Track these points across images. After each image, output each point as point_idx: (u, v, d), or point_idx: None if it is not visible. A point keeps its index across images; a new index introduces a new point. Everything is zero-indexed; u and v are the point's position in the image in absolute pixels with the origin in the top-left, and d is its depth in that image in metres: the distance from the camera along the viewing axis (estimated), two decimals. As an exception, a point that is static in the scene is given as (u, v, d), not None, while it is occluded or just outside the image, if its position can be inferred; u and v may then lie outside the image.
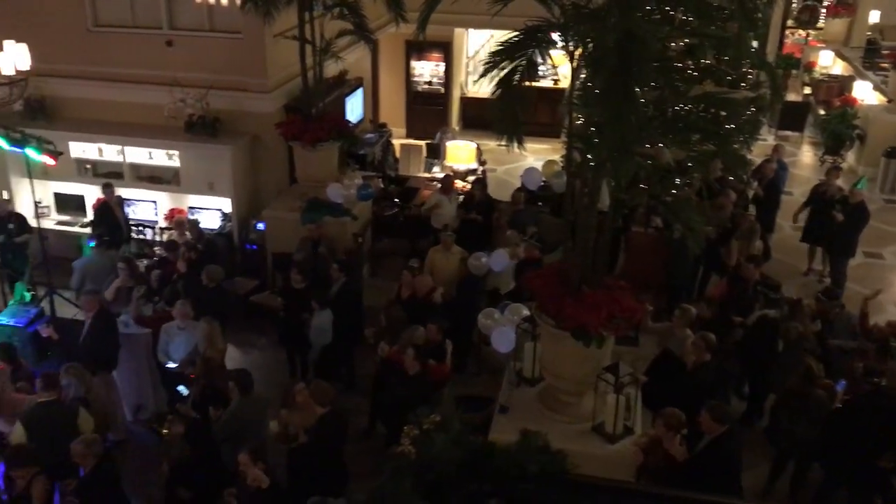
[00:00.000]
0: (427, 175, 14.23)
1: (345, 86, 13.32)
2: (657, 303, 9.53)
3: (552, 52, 6.39)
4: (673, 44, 7.19)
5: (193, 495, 6.47)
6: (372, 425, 8.65)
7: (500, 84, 6.17)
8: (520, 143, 6.23)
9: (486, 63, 6.27)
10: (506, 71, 6.03)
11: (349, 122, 12.48)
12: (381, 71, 16.14)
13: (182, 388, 8.14)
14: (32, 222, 10.54)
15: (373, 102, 15.88)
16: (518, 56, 5.98)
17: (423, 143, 15.31)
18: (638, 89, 5.57)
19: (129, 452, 8.26)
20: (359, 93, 14.14)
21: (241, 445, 6.34)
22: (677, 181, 7.01)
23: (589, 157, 6.48)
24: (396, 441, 7.60)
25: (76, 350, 8.25)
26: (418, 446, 4.87)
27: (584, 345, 6.32)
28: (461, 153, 14.27)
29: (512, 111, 6.16)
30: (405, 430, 5.10)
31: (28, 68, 8.55)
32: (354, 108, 13.80)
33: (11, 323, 9.29)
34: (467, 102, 18.04)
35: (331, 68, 11.61)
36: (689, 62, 7.28)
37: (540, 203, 11.57)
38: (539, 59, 6.13)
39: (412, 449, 4.93)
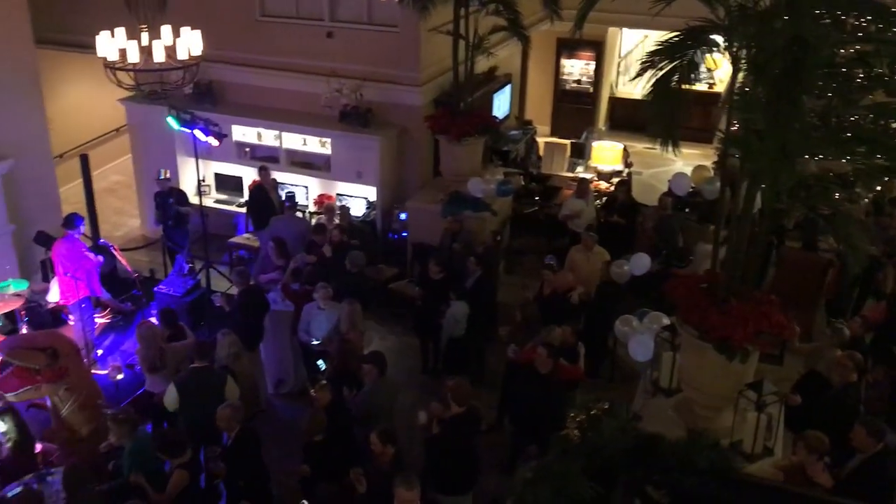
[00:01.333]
0: (570, 175, 14.07)
1: (493, 82, 13.39)
2: (805, 323, 9.03)
3: (709, 54, 6.17)
4: (842, 50, 6.78)
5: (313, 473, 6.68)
6: (500, 421, 8.67)
7: (657, 84, 6.00)
8: (675, 145, 6.03)
9: (644, 62, 6.11)
10: (664, 71, 5.86)
11: (496, 118, 12.53)
12: (531, 68, 16.09)
13: (321, 363, 8.46)
14: (194, 199, 11.23)
15: (520, 99, 15.87)
16: (678, 56, 5.81)
17: (567, 142, 15.16)
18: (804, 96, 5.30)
19: (269, 424, 8.67)
20: (507, 89, 14.16)
21: (372, 426, 6.53)
22: (836, 195, 6.61)
23: (746, 164, 6.21)
24: (524, 437, 7.66)
25: (228, 322, 8.73)
26: (585, 431, 4.84)
27: (727, 358, 6.08)
28: (607, 154, 14.03)
29: (668, 112, 5.98)
30: (571, 415, 5.11)
31: (200, 54, 9.10)
32: (501, 104, 13.84)
33: (170, 292, 9.96)
34: (616, 103, 17.72)
35: (481, 64, 11.70)
36: (860, 70, 6.84)
37: (686, 210, 11.21)
38: (698, 61, 5.95)
39: (577, 433, 4.92)
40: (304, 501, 6.05)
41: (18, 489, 6.51)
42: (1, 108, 10.56)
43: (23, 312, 9.48)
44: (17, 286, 9.54)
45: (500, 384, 8.72)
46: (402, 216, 11.57)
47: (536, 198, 12.58)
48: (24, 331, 9.42)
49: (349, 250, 9.51)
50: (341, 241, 9.97)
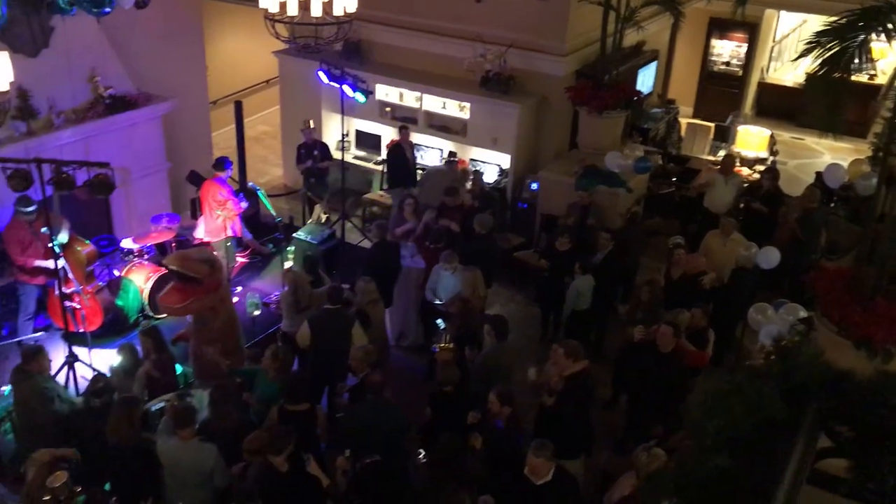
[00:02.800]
0: (711, 158, 13.64)
1: (639, 57, 13.09)
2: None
3: (872, 44, 5.82)
4: None
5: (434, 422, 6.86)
6: (615, 397, 8.63)
7: (821, 66, 5.74)
8: (834, 133, 5.76)
9: (809, 42, 5.85)
10: (831, 53, 5.59)
11: (640, 93, 12.28)
12: (678, 46, 15.61)
13: (440, 322, 8.65)
14: (335, 154, 11.63)
15: (664, 77, 15.45)
16: (849, 38, 5.52)
17: (711, 124, 14.67)
18: None
19: (388, 373, 8.96)
20: (652, 66, 13.82)
21: (490, 386, 6.64)
22: None
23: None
24: (638, 416, 7.59)
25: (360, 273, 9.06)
26: (780, 357, 4.79)
27: (868, 357, 5.83)
28: (752, 139, 13.48)
29: (830, 98, 5.71)
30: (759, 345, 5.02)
31: (353, 11, 9.34)
32: (645, 80, 13.52)
33: (308, 239, 10.40)
34: (765, 89, 16.98)
35: (629, 38, 11.47)
36: None
37: (833, 204, 10.68)
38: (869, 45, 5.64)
39: (763, 361, 4.88)
40: (420, 451, 6.22)
41: (161, 405, 7.04)
42: (167, 53, 11.27)
43: (173, 245, 10.15)
44: (169, 220, 10.21)
45: (615, 361, 8.68)
46: (534, 186, 11.57)
47: (673, 179, 12.29)
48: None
49: (477, 214, 9.63)
50: (471, 207, 10.12)
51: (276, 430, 5.84)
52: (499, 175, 12.05)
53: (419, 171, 12.08)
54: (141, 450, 5.98)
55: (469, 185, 10.82)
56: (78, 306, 8.54)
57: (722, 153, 13.44)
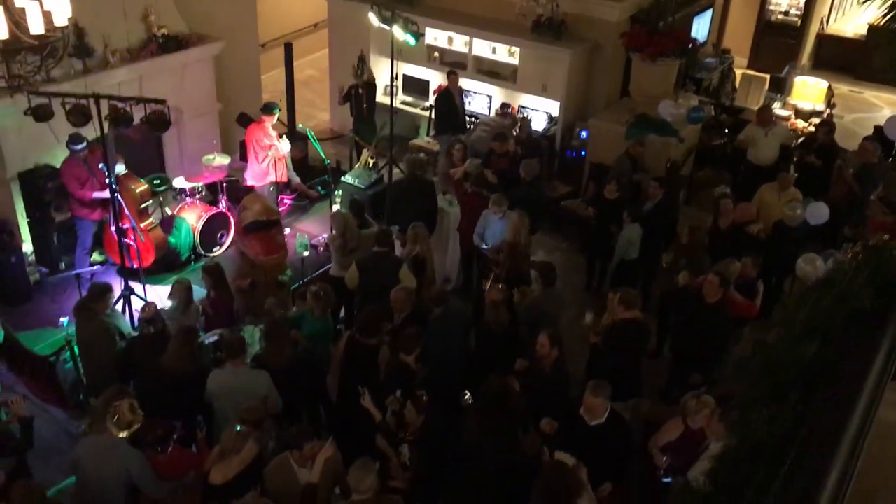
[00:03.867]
0: (764, 110, 13.31)
1: (695, 4, 12.74)
2: None
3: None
4: None
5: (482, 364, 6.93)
6: (659, 347, 8.63)
7: (890, 11, 5.54)
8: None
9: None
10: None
11: (695, 41, 11.99)
12: (736, -6, 15.19)
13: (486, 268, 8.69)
14: (383, 98, 11.59)
15: (719, 26, 15.06)
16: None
17: (766, 76, 14.29)
18: None
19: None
20: (707, 14, 13.45)
21: (538, 331, 6.68)
22: None
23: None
24: (683, 366, 7.59)
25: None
26: (868, 256, 4.76)
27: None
28: (809, 91, 13.11)
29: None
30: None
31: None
32: (700, 28, 13.18)
33: (355, 184, 10.45)
34: (824, 40, 16.47)
35: (687, -17, 11.19)
36: None
37: (891, 158, 10.40)
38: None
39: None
40: (466, 393, 6.30)
41: (215, 337, 7.23)
42: (218, -6, 11.27)
43: (224, 185, 10.28)
44: (220, 159, 10.33)
45: (658, 310, 8.65)
46: (583, 134, 11.44)
47: (726, 130, 12.04)
48: (222, 203, 10.25)
49: (524, 160, 9.58)
50: (517, 153, 10.06)
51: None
52: (547, 122, 11.93)
53: (467, 119, 12.03)
54: (197, 378, 6.15)
55: (516, 132, 10.74)
56: (132, 242, 8.75)
57: (777, 105, 13.12)
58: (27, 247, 9.36)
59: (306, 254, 9.11)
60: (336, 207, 10.36)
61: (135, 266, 8.74)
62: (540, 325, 7.00)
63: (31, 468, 6.00)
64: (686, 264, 8.03)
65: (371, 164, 11.06)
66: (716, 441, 5.66)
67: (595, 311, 7.24)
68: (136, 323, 8.00)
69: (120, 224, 8.17)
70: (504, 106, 11.51)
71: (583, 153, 11.41)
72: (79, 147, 8.59)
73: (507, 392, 5.88)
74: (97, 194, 8.76)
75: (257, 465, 5.41)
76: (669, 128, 10.20)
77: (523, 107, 12.09)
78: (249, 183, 10.50)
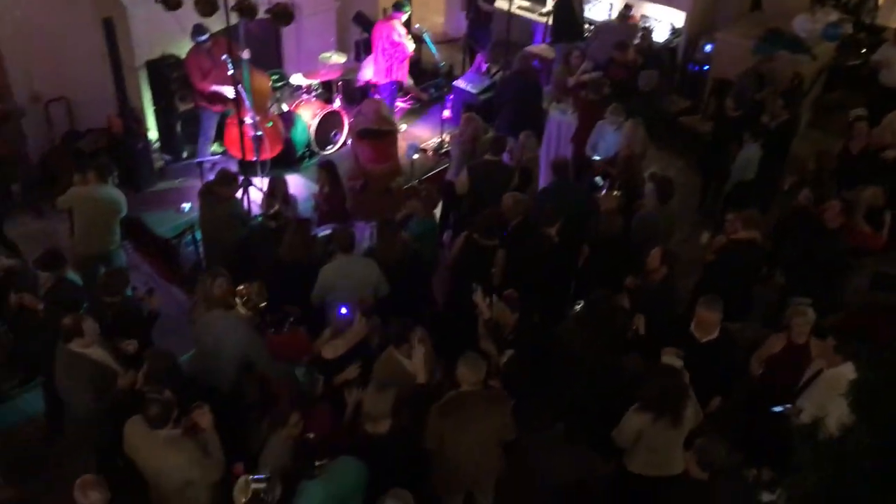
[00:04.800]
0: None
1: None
2: None
3: None
4: None
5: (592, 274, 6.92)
6: (770, 273, 8.38)
7: None
8: None
9: None
10: None
11: (842, -51, 11.15)
12: None
13: (598, 180, 8.54)
14: (501, 3, 11.30)
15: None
16: None
17: (914, -8, 13.16)
18: None
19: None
20: (855, -79, 12.40)
21: (649, 245, 6.59)
22: None
23: None
24: (794, 291, 7.35)
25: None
26: None
27: None
28: (961, 11, 12.05)
29: None
30: None
31: None
32: (846, -63, 12.19)
33: (468, 89, 10.37)
34: None
35: None
36: None
37: None
38: None
39: None
40: (580, 302, 6.31)
41: (328, 231, 7.44)
42: None
43: (339, 84, 10.37)
44: (337, 58, 10.38)
45: (773, 233, 8.36)
46: (708, 48, 10.92)
47: (863, 50, 11.23)
48: (337, 101, 10.36)
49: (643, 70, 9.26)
50: (636, 63, 9.71)
51: None
52: (670, 34, 11.41)
53: (586, 26, 11.63)
54: (312, 266, 6.36)
55: (637, 41, 10.34)
56: (252, 135, 8.97)
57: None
58: (152, 134, 9.76)
59: (416, 157, 9.17)
60: (447, 112, 10.31)
61: (253, 160, 8.99)
62: (651, 241, 6.90)
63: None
64: (811, 188, 7.69)
65: (485, 69, 10.91)
66: (827, 368, 5.55)
67: (710, 232, 7.03)
68: (252, 214, 8.30)
69: (241, 117, 8.39)
70: (626, 7, 11.01)
71: (705, 67, 10.91)
72: (203, 38, 8.78)
73: (611, 308, 5.88)
74: (218, 87, 8.99)
75: (364, 348, 5.61)
76: (802, 44, 9.61)
77: (646, 16, 11.57)
78: (372, 80, 10.51)
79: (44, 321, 5.78)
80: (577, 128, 9.12)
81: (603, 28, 10.88)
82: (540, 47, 11.92)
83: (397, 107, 11.00)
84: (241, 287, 5.57)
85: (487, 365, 5.29)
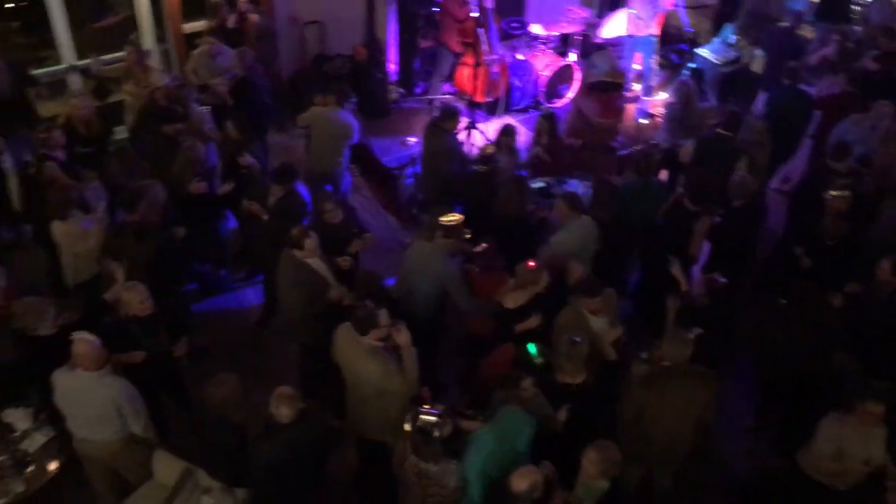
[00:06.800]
0: None
1: None
2: None
3: None
4: None
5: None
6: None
7: None
8: None
9: None
10: None
11: None
12: None
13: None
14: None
15: None
16: None
17: None
18: None
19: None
20: None
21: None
22: None
23: None
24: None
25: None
26: None
27: None
28: None
29: None
30: None
31: None
32: None
33: (710, 58, 9.86)
34: None
35: None
36: None
37: None
38: None
39: None
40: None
41: (542, 184, 7.48)
42: None
43: (577, 37, 10.24)
44: (579, 11, 10.19)
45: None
46: None
47: None
48: (572, 54, 10.23)
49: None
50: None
51: None
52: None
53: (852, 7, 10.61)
54: (525, 220, 6.40)
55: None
56: (486, 76, 9.06)
57: None
58: (391, 66, 10.17)
59: (644, 121, 8.91)
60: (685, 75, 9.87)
61: (482, 101, 9.11)
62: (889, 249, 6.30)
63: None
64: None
65: (732, 42, 10.29)
66: None
67: None
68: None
69: (479, 58, 8.49)
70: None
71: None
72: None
73: (819, 303, 5.51)
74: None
75: (543, 301, 5.64)
76: None
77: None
78: (614, 38, 10.30)
79: (269, 228, 6.27)
80: (819, 122, 8.38)
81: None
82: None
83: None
84: (444, 219, 5.71)
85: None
